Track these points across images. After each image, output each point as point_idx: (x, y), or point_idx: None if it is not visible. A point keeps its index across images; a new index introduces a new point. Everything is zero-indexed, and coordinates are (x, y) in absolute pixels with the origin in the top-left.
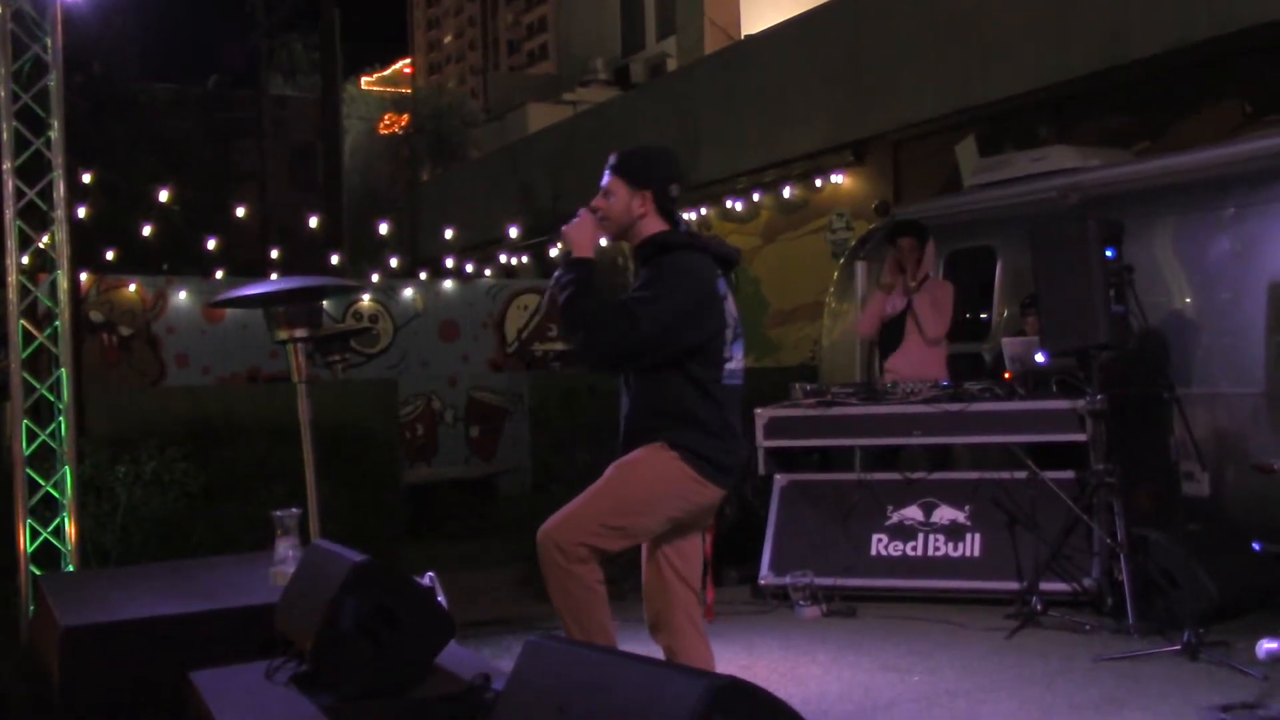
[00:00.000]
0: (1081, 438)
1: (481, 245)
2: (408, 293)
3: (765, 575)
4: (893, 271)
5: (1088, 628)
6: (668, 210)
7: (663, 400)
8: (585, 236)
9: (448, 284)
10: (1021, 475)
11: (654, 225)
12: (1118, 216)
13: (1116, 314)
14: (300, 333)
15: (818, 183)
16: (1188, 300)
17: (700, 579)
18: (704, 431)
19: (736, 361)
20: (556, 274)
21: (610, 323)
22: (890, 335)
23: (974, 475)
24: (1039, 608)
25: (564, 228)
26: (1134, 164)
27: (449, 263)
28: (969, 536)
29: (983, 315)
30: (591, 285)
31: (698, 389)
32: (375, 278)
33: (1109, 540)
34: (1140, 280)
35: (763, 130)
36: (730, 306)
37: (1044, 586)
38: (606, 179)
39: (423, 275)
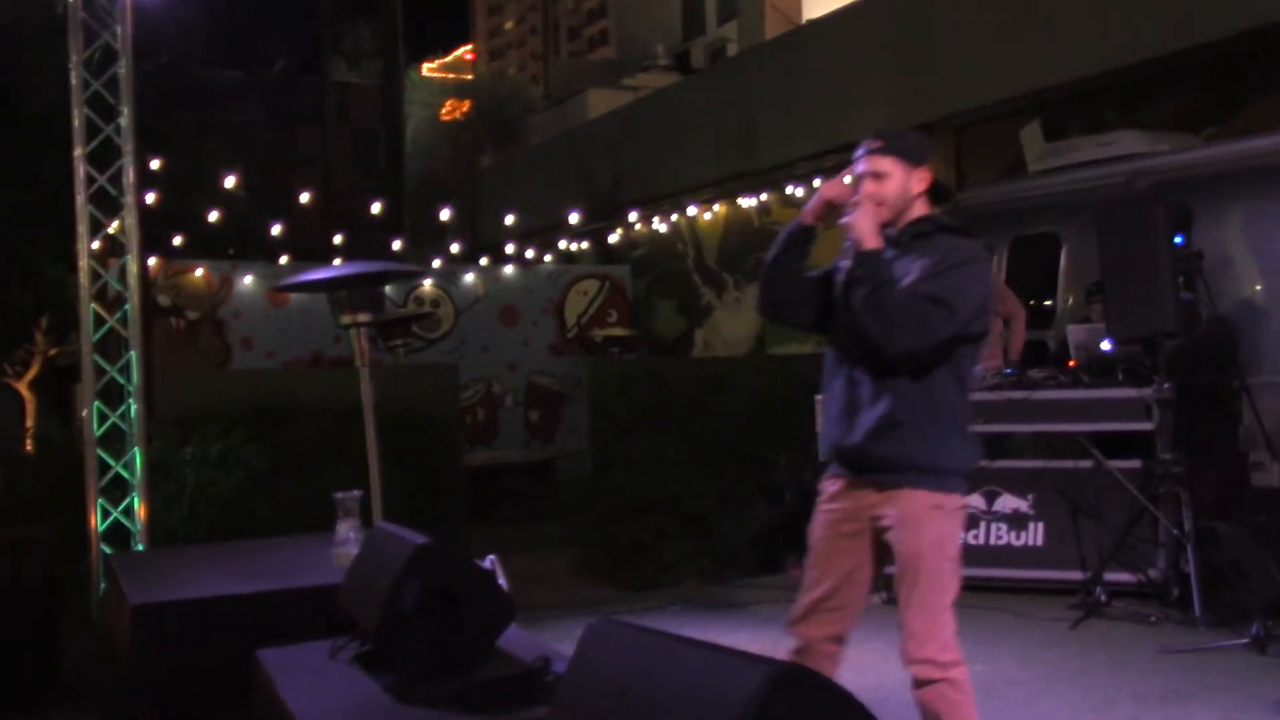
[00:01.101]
0: (1148, 427)
1: (542, 231)
2: (468, 278)
3: None
4: None
5: (1153, 619)
6: (935, 192)
7: (927, 397)
8: (871, 225)
9: (508, 269)
10: (1086, 464)
11: (923, 207)
12: (1186, 202)
13: (1185, 301)
14: (363, 317)
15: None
16: (1258, 288)
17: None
18: (960, 435)
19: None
20: (845, 266)
21: (921, 314)
22: None
23: (1037, 464)
24: (1103, 598)
25: (847, 220)
26: (1203, 149)
27: (509, 248)
28: (1032, 525)
29: (1047, 302)
30: (888, 277)
31: (959, 386)
32: (436, 263)
33: (1175, 531)
34: (1209, 267)
35: (823, 115)
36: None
37: (1108, 577)
38: (872, 162)
39: (483, 260)
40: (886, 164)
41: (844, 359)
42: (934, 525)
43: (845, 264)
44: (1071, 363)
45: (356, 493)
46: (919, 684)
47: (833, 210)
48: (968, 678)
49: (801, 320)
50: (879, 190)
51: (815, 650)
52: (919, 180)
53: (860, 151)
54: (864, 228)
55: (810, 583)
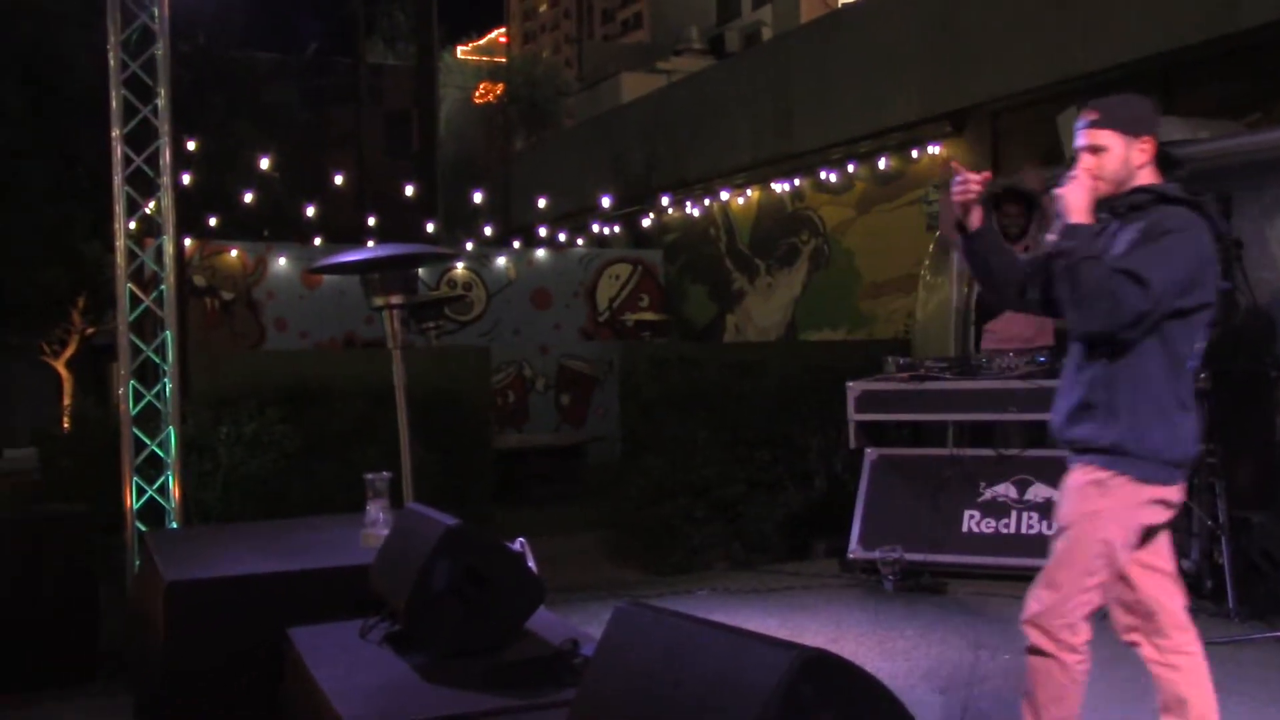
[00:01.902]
0: None
1: (574, 214)
2: (501, 261)
3: (854, 549)
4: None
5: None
6: (1164, 159)
7: (1127, 377)
8: (1083, 199)
9: (540, 253)
10: None
11: (1150, 176)
12: (1226, 190)
13: (1222, 290)
14: (396, 299)
15: (914, 154)
16: None
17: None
18: (1161, 418)
19: (1202, 346)
20: (1053, 241)
21: (1113, 291)
22: (987, 310)
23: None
24: None
25: (1058, 190)
26: (1244, 135)
27: (542, 231)
28: None
29: None
30: (1093, 252)
31: (1169, 365)
32: (469, 246)
33: (1209, 522)
34: (1248, 255)
35: (858, 100)
36: (1219, 282)
37: None
38: (1090, 135)
39: (516, 244)
40: (1104, 137)
41: (1069, 337)
42: (1088, 500)
43: (1051, 238)
44: None
45: (386, 474)
46: (1029, 649)
47: (969, 209)
48: (1083, 669)
49: (1030, 305)
50: (1097, 164)
51: (1140, 648)
52: (1140, 151)
53: (1079, 124)
54: (1072, 201)
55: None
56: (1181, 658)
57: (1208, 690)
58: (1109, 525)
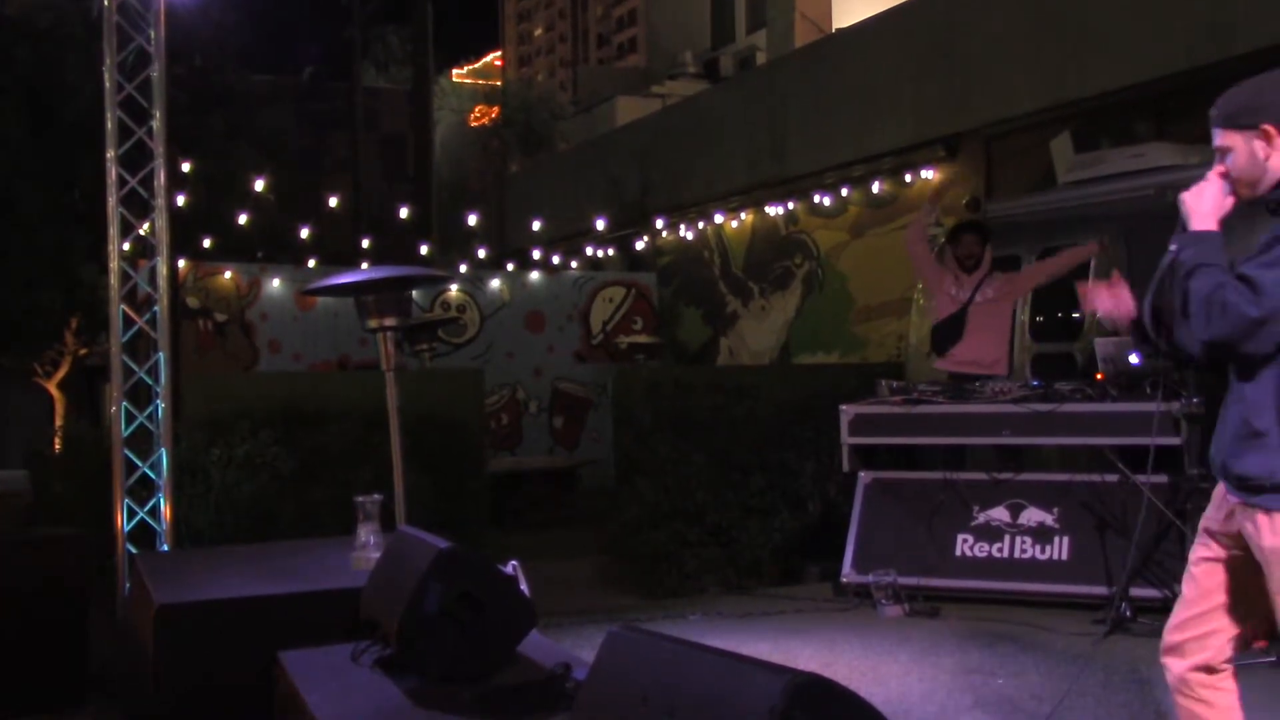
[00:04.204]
0: (1176, 441)
1: (568, 237)
2: (495, 283)
3: (848, 573)
4: (951, 268)
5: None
6: None
7: (1270, 397)
8: (1205, 204)
9: (534, 275)
10: (1113, 478)
11: None
12: None
13: None
14: (390, 321)
15: (908, 178)
16: None
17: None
18: None
19: None
20: (1172, 250)
21: (1222, 299)
22: (948, 332)
23: (1063, 477)
24: (1128, 614)
25: (1183, 195)
26: None
27: (536, 254)
28: (1057, 539)
29: (1075, 315)
30: (1205, 260)
31: None
32: (463, 268)
33: None
34: None
35: (852, 125)
36: None
37: (1134, 592)
38: (1217, 138)
39: (510, 266)
40: (1223, 137)
41: (1182, 359)
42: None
43: (1172, 248)
44: (1099, 375)
45: (377, 496)
46: None
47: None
48: None
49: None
50: (1225, 167)
51: (1189, 686)
52: (1264, 141)
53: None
54: (1193, 205)
55: (1183, 599)
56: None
57: None
58: None
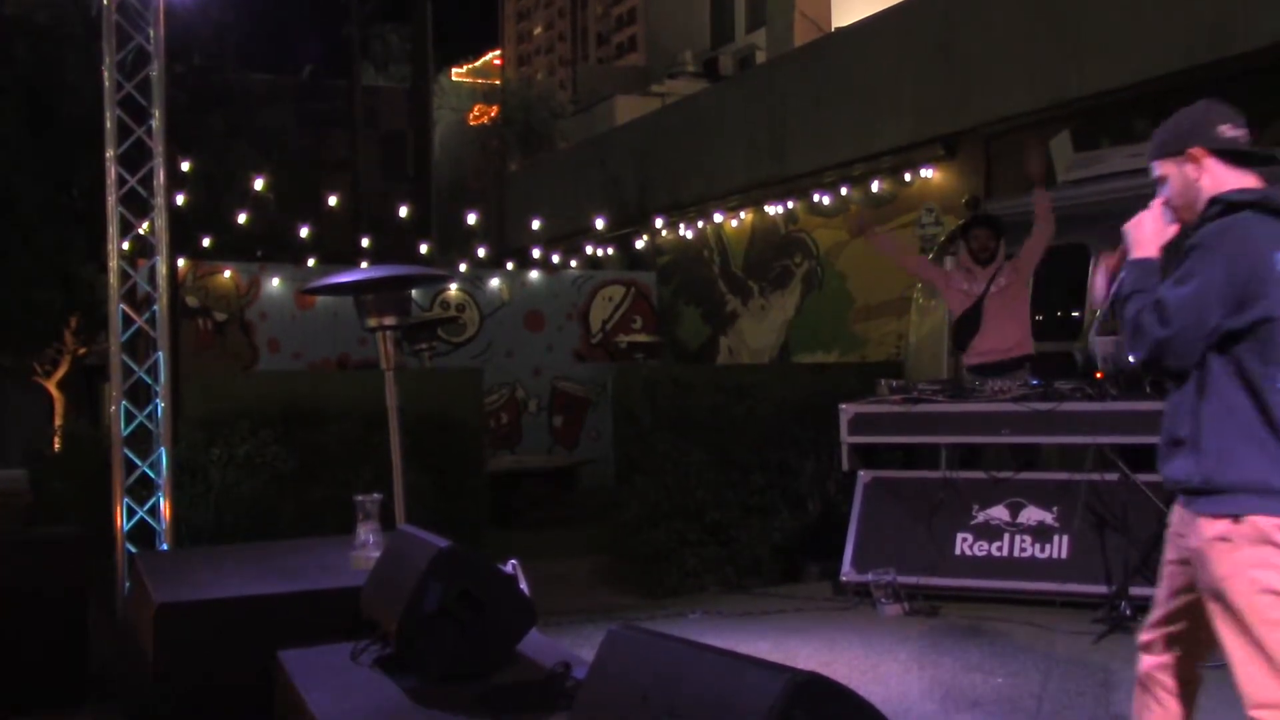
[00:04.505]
0: None
1: (568, 236)
2: (494, 282)
3: (847, 572)
4: (965, 263)
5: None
6: (1239, 156)
7: (1214, 408)
8: (1146, 233)
9: (534, 274)
10: (1112, 477)
11: (1222, 182)
12: None
13: None
14: (389, 321)
15: (907, 177)
16: None
17: None
18: (1254, 443)
19: None
20: (1119, 279)
21: (1146, 319)
22: (967, 326)
23: (1063, 476)
24: (1128, 613)
25: (1125, 225)
26: None
27: (535, 253)
28: (1057, 538)
29: (1075, 314)
30: (1140, 286)
31: (1250, 392)
32: (463, 267)
33: None
34: None
35: (852, 124)
36: None
37: (1134, 591)
38: (1154, 169)
39: (509, 265)
40: (1160, 168)
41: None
42: (1224, 559)
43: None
44: (1099, 374)
45: (376, 496)
46: None
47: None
48: None
49: None
50: (1165, 196)
51: (1153, 682)
52: (1193, 165)
53: None
54: (1134, 235)
55: (1155, 598)
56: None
57: None
58: (1261, 573)
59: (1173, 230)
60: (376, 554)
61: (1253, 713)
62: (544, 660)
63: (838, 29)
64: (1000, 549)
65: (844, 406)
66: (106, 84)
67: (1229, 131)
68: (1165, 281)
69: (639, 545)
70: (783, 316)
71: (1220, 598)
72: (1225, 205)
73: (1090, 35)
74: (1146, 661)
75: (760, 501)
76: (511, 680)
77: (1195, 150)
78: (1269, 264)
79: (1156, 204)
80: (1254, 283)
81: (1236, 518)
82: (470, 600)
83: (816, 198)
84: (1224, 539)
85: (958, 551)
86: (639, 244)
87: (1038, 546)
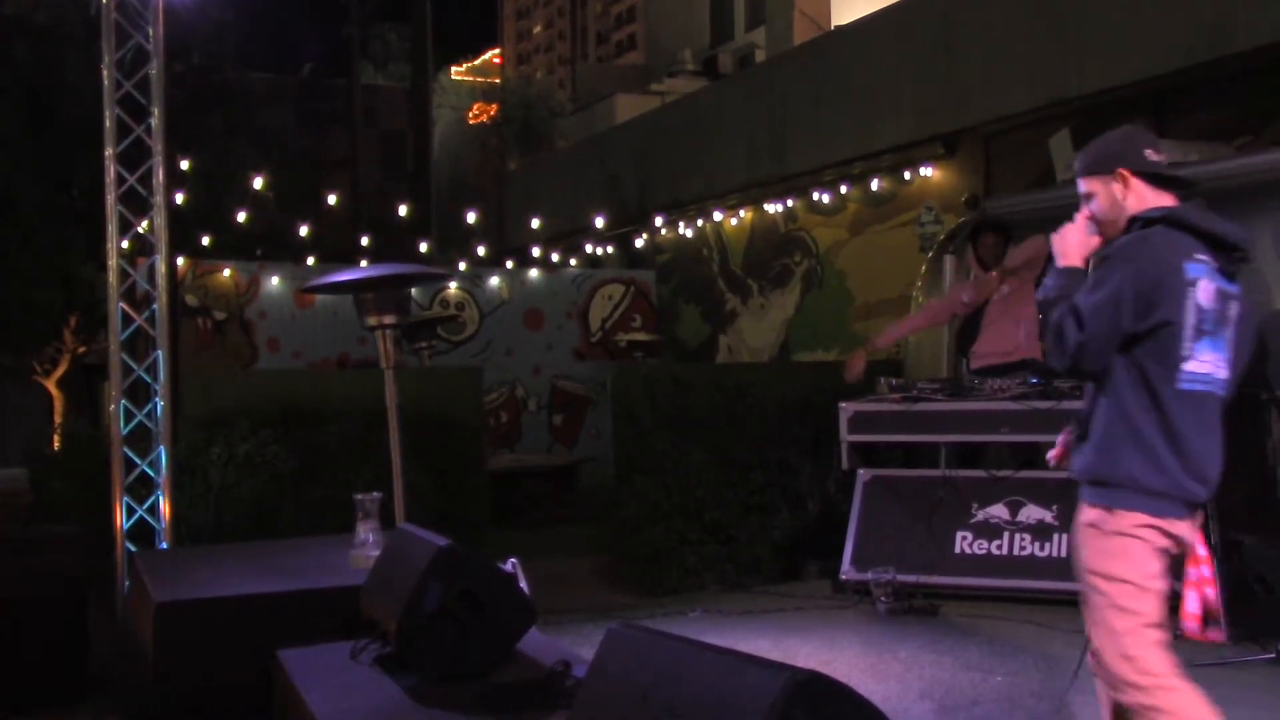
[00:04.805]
0: None
1: (567, 234)
2: (494, 281)
3: (847, 570)
4: (974, 267)
5: (1177, 633)
6: (1160, 180)
7: (1109, 411)
8: (1071, 243)
9: (533, 273)
10: None
11: (1144, 202)
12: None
13: None
14: (389, 319)
15: (906, 175)
16: None
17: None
18: (1138, 445)
19: (1201, 363)
20: (1043, 285)
21: (1058, 328)
22: (968, 332)
23: (1062, 474)
24: None
25: (1053, 235)
26: (1234, 159)
27: (535, 251)
28: (1056, 536)
29: None
30: (1064, 294)
31: (1146, 397)
32: (462, 266)
33: None
34: (1239, 278)
35: (851, 122)
36: (1201, 296)
37: None
38: (1081, 185)
39: (509, 264)
40: (1086, 183)
41: None
42: (1090, 544)
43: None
44: None
45: (376, 495)
46: (1120, 710)
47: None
48: (1183, 702)
49: None
50: (1090, 211)
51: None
52: (1121, 184)
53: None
54: (1058, 245)
55: None
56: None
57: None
58: (1116, 563)
59: (1095, 242)
60: (376, 553)
61: (1106, 687)
62: (544, 659)
63: (837, 27)
64: (1000, 547)
65: (843, 405)
66: (106, 83)
67: (1153, 156)
68: (1081, 290)
69: (639, 544)
70: (782, 315)
71: (1083, 577)
72: (1143, 222)
73: (1090, 34)
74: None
75: (760, 500)
76: (511, 679)
77: (1123, 171)
78: (1177, 273)
79: (1081, 217)
80: (1160, 289)
81: (1109, 509)
82: (470, 599)
83: (816, 196)
84: (1094, 526)
85: (957, 550)
86: (638, 242)
87: (1037, 545)
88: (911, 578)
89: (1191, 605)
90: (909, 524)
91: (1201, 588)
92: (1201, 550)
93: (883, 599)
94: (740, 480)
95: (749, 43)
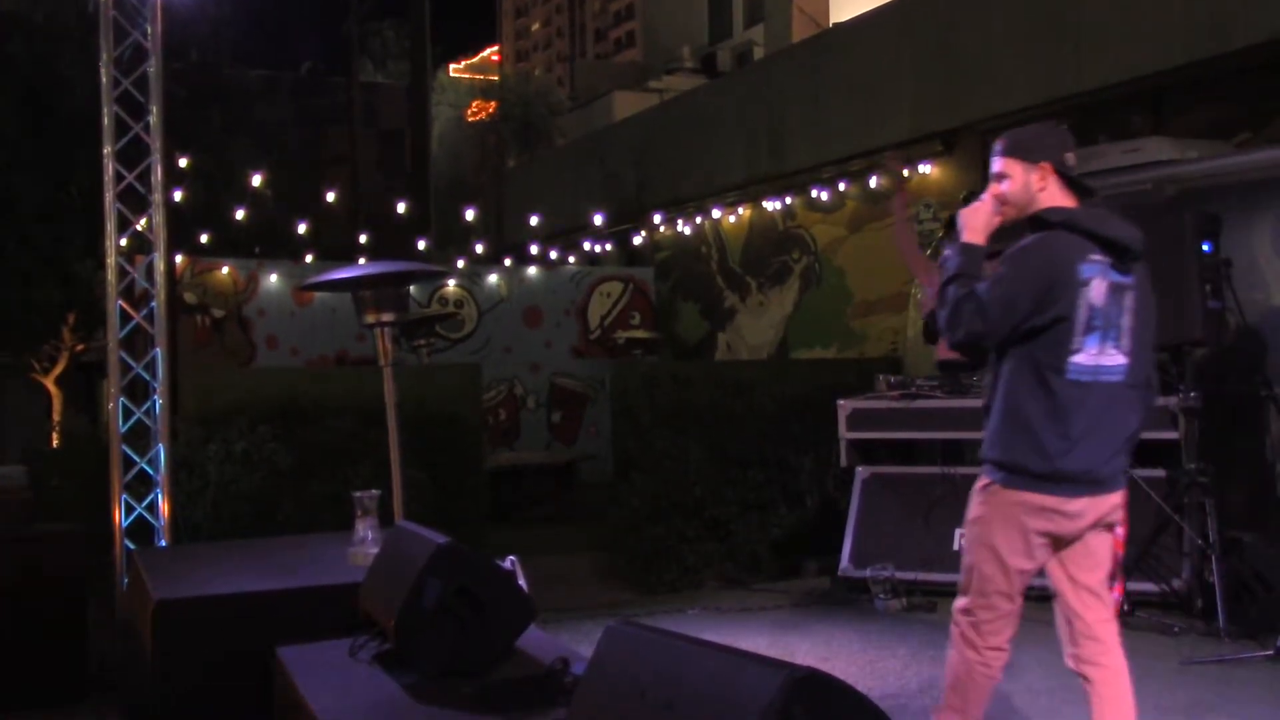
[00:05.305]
0: (1174, 436)
1: (566, 232)
2: (492, 278)
3: (845, 567)
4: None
5: (1176, 630)
6: (1071, 181)
7: (1002, 397)
8: (978, 220)
9: (532, 270)
10: None
11: (1054, 199)
12: (1216, 210)
13: (1212, 309)
14: (387, 317)
15: (905, 173)
16: None
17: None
18: (1028, 437)
19: (1090, 355)
20: (943, 256)
21: (966, 310)
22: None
23: None
24: (1126, 608)
25: (961, 210)
26: (1234, 156)
27: (533, 249)
28: None
29: None
30: (967, 271)
31: (1037, 383)
32: (461, 263)
33: (1200, 541)
34: (1238, 275)
35: (850, 119)
36: (1093, 295)
37: (1132, 586)
38: (998, 164)
39: (507, 261)
40: (1006, 164)
41: None
42: (974, 506)
43: (946, 254)
44: None
45: (375, 492)
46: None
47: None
48: (987, 672)
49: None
50: (1001, 190)
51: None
52: (1040, 176)
53: (992, 152)
54: (968, 221)
55: None
56: (1091, 668)
57: (1121, 705)
58: (987, 530)
59: (998, 221)
60: (375, 550)
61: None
62: (542, 656)
63: (835, 25)
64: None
65: (842, 402)
66: (104, 80)
67: (1070, 159)
68: (984, 282)
69: (638, 541)
70: (781, 312)
71: (971, 527)
72: (1044, 222)
73: (1089, 31)
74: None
75: (759, 497)
76: (510, 676)
77: (1045, 165)
78: (1071, 272)
79: (989, 195)
80: (1056, 288)
81: (1000, 485)
82: (469, 597)
83: (815, 194)
84: (984, 492)
85: (956, 547)
86: (637, 240)
87: None
88: (910, 575)
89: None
90: (908, 521)
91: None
92: (1119, 524)
93: (881, 596)
94: (739, 478)
95: (747, 40)
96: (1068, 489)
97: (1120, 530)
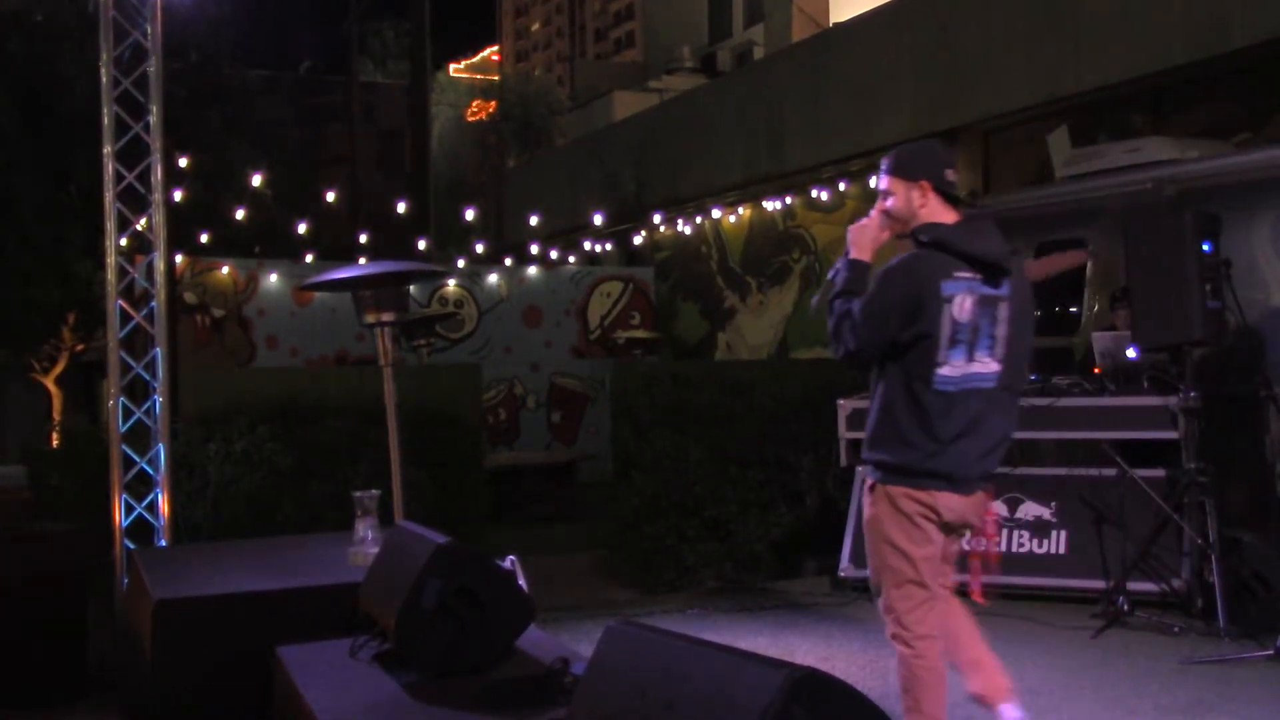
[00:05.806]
0: (1173, 435)
1: (566, 232)
2: (492, 278)
3: (845, 567)
4: None
5: (1176, 629)
6: (951, 198)
7: (879, 401)
8: (865, 237)
9: (532, 270)
10: (1110, 472)
11: (934, 215)
12: (1216, 209)
13: (1212, 309)
14: (387, 317)
15: None
16: None
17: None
18: (900, 439)
19: (955, 368)
20: (832, 270)
21: (844, 327)
22: None
23: (1061, 471)
24: (1126, 607)
25: (850, 226)
26: (1233, 156)
27: (533, 249)
28: (1055, 533)
29: (1072, 309)
30: (852, 288)
31: (907, 392)
32: (461, 263)
33: (1200, 541)
34: (1238, 275)
35: (850, 119)
36: (957, 311)
37: (1132, 586)
38: (883, 182)
39: (507, 261)
40: (888, 182)
41: None
42: (866, 508)
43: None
44: (1096, 370)
45: (374, 492)
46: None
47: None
48: (927, 661)
49: None
50: (886, 207)
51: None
52: (920, 194)
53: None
54: (855, 237)
55: None
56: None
57: (922, 686)
58: (888, 527)
59: (885, 236)
60: (375, 550)
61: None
62: (542, 656)
63: (835, 24)
64: (999, 544)
65: (842, 402)
66: (104, 80)
67: (950, 175)
68: (860, 299)
69: (637, 541)
70: (781, 312)
71: (868, 529)
72: (918, 241)
73: (1088, 31)
74: None
75: (758, 497)
76: (510, 676)
77: (925, 183)
78: (935, 292)
79: (876, 213)
80: (922, 306)
81: (880, 484)
82: (469, 596)
83: (814, 193)
84: (869, 493)
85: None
86: (637, 240)
87: (1035, 541)
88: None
89: (969, 571)
90: None
91: (981, 556)
92: (989, 523)
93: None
94: (739, 477)
95: (747, 40)
96: (940, 484)
97: (989, 529)
